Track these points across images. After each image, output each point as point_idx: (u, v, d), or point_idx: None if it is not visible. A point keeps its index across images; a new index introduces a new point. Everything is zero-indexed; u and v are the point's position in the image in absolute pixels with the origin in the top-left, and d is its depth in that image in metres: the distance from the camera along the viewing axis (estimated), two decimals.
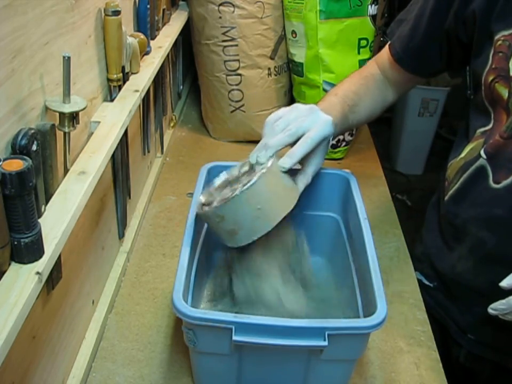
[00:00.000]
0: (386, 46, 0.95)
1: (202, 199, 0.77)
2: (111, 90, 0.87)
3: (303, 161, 0.79)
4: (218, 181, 0.79)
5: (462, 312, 0.90)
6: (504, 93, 0.75)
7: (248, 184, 0.68)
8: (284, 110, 0.79)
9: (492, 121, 0.79)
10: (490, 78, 0.77)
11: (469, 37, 0.81)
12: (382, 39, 1.70)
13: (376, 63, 0.97)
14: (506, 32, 0.74)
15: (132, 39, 0.92)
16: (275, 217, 0.71)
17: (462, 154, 0.85)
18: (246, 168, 0.78)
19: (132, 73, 0.95)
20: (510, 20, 0.73)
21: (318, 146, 0.78)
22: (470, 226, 0.82)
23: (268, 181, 0.71)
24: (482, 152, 0.79)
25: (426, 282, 0.96)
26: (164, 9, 1.19)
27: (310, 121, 0.76)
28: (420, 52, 0.89)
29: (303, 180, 0.79)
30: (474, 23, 0.78)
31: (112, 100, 0.86)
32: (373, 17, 1.31)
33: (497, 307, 0.69)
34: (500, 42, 0.74)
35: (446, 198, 0.87)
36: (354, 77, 0.97)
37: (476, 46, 0.80)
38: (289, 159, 0.74)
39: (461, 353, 0.93)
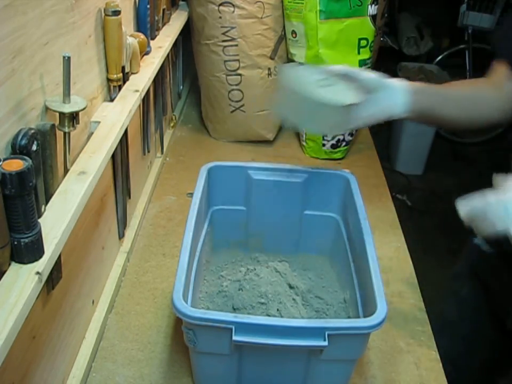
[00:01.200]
0: (498, 69, 0.90)
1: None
2: (111, 90, 0.87)
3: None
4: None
5: None
6: None
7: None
8: None
9: None
10: None
11: None
12: (382, 39, 1.70)
13: (489, 82, 0.92)
14: None
15: (132, 39, 0.92)
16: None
17: None
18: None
19: (132, 73, 0.95)
20: None
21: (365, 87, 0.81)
22: None
23: None
24: None
25: (485, 248, 0.96)
26: (164, 9, 1.19)
27: None
28: None
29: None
30: None
31: (112, 100, 0.86)
32: (373, 17, 1.31)
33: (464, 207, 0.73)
34: None
35: None
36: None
37: None
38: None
39: (510, 321, 0.94)
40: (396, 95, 0.81)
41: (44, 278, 0.55)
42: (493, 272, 0.95)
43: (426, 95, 0.83)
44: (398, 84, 0.82)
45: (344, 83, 0.84)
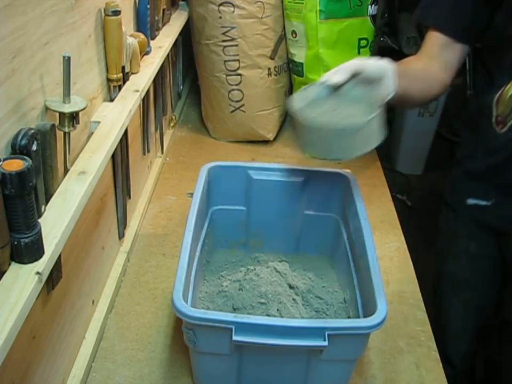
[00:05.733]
0: (429, 34, 0.99)
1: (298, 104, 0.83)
2: (111, 90, 0.87)
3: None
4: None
5: None
6: None
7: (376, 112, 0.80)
8: None
9: None
10: None
11: None
12: (382, 39, 1.70)
13: (423, 56, 1.00)
14: None
15: (132, 39, 0.92)
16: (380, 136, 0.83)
17: (510, 92, 0.91)
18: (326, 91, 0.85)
19: (132, 73, 0.95)
20: None
21: (368, 80, 0.84)
22: None
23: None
24: None
25: (483, 203, 1.03)
26: (164, 9, 1.19)
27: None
28: (468, 19, 0.93)
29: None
30: None
31: (112, 100, 0.86)
32: (373, 17, 1.31)
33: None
34: None
35: (505, 129, 0.93)
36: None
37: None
38: (338, 75, 0.82)
39: None
40: (391, 80, 0.85)
41: (44, 278, 0.55)
42: (497, 217, 1.02)
43: (401, 76, 0.88)
44: (390, 69, 0.86)
45: (354, 93, 0.83)
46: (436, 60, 0.97)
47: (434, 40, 0.98)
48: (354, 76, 0.84)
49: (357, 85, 0.84)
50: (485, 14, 0.92)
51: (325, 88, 0.84)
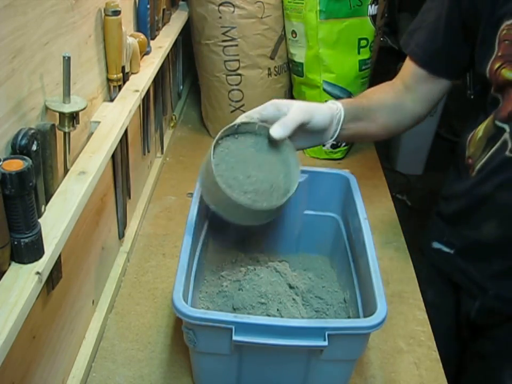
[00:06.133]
0: (406, 62, 0.95)
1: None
2: (111, 90, 0.87)
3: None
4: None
5: (482, 271, 0.92)
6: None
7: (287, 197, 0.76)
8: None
9: (501, 101, 0.82)
10: (497, 66, 0.79)
11: (477, 28, 0.83)
12: (382, 39, 1.70)
13: (399, 80, 0.97)
14: (508, 22, 0.77)
15: (132, 39, 0.92)
16: (294, 180, 0.79)
17: (480, 134, 0.88)
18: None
19: (132, 73, 0.95)
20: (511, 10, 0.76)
21: (309, 130, 0.81)
22: (493, 191, 0.86)
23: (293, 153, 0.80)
24: (505, 126, 0.82)
25: (446, 250, 0.98)
26: (164, 9, 1.19)
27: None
28: (445, 52, 0.90)
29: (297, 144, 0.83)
30: (480, 13, 0.80)
31: (112, 100, 0.86)
32: (373, 17, 1.31)
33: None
34: (504, 31, 0.78)
35: (474, 173, 0.89)
36: (372, 88, 0.98)
37: (481, 36, 0.82)
38: (282, 129, 0.77)
39: (473, 310, 0.95)
40: (333, 129, 0.83)
41: (44, 278, 0.55)
42: (457, 269, 0.97)
43: (355, 120, 0.86)
44: (337, 116, 0.84)
45: (285, 156, 0.79)
46: (410, 92, 0.94)
47: (410, 69, 0.94)
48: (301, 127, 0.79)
49: (298, 138, 0.79)
50: (464, 49, 0.87)
51: (259, 132, 0.79)
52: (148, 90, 1.07)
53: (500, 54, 0.78)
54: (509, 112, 0.80)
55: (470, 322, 0.97)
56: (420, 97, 0.94)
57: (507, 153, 0.81)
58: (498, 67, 0.79)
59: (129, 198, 1.05)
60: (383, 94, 0.94)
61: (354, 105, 0.88)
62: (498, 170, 0.84)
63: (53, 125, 0.62)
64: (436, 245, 1.01)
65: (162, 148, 1.35)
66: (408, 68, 0.94)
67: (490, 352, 0.96)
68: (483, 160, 0.87)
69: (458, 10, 0.84)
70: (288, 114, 0.78)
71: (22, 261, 0.53)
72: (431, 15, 0.90)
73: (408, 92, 0.94)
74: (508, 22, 0.76)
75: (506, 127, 0.81)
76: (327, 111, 0.83)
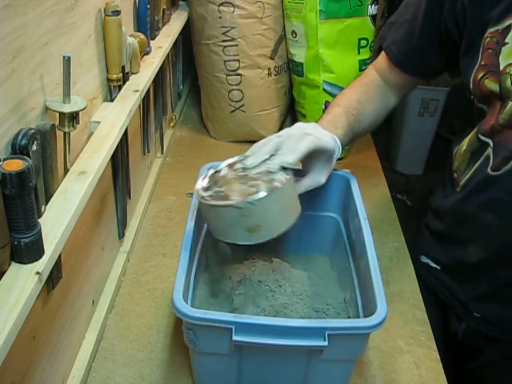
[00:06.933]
0: (383, 52, 0.96)
1: (202, 191, 0.75)
2: (111, 90, 0.87)
3: (304, 171, 0.81)
4: (209, 176, 0.79)
5: (466, 292, 0.91)
6: (495, 87, 0.76)
7: (281, 183, 0.71)
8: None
9: (486, 112, 0.80)
10: (480, 75, 0.78)
11: (460, 35, 0.81)
12: None
13: (375, 69, 0.98)
14: (492, 29, 0.75)
15: (132, 39, 0.92)
16: (294, 215, 0.76)
17: (464, 147, 0.86)
18: (240, 165, 0.78)
19: (132, 73, 0.95)
20: (496, 17, 0.74)
21: (318, 160, 0.80)
22: (475, 211, 0.84)
23: (292, 182, 0.75)
24: (488, 141, 0.80)
25: (433, 265, 0.97)
26: (164, 9, 1.19)
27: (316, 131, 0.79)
28: (418, 54, 0.89)
29: (300, 188, 0.81)
30: (465, 19, 0.79)
31: (112, 100, 0.86)
32: (373, 17, 1.31)
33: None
34: (488, 39, 0.76)
35: (458, 188, 0.88)
36: (354, 85, 0.97)
37: (465, 44, 0.80)
38: (293, 156, 0.74)
39: (460, 331, 0.95)
40: (329, 140, 0.81)
41: (44, 278, 0.55)
42: (443, 286, 0.96)
43: (347, 129, 0.87)
44: (337, 144, 0.82)
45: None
46: (389, 85, 0.95)
47: (385, 63, 0.95)
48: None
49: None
50: (437, 55, 0.87)
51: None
52: (148, 90, 1.07)
53: (482, 63, 0.77)
54: (492, 126, 0.78)
55: (459, 342, 0.96)
56: (394, 89, 0.95)
57: (489, 170, 0.79)
58: (482, 77, 0.77)
59: (129, 198, 1.05)
60: (370, 102, 0.94)
61: (346, 129, 0.87)
62: (480, 189, 0.82)
63: (53, 125, 0.62)
64: (424, 259, 1.00)
65: (162, 148, 1.35)
66: (383, 61, 0.96)
67: (486, 372, 0.94)
68: (467, 176, 0.85)
69: (439, 14, 0.83)
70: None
71: (22, 261, 0.53)
72: (409, 12, 0.89)
73: (388, 87, 0.95)
74: (492, 29, 0.75)
75: (490, 141, 0.79)
76: (329, 138, 0.80)
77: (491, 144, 0.79)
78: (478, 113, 0.82)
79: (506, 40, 0.73)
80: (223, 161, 0.82)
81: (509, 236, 0.81)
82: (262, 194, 0.70)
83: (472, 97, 0.82)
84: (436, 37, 0.86)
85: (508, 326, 0.88)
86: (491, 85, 0.76)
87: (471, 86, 0.79)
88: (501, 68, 0.74)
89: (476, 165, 0.83)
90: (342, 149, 0.85)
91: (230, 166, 0.80)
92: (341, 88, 1.33)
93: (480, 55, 0.77)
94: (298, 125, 0.82)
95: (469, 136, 0.85)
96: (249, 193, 0.70)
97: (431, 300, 0.97)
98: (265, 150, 0.76)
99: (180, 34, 1.30)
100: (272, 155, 0.76)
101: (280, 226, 0.74)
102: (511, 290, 0.85)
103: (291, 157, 0.74)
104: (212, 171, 0.80)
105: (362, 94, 0.94)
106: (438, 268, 0.96)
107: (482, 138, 0.81)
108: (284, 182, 0.72)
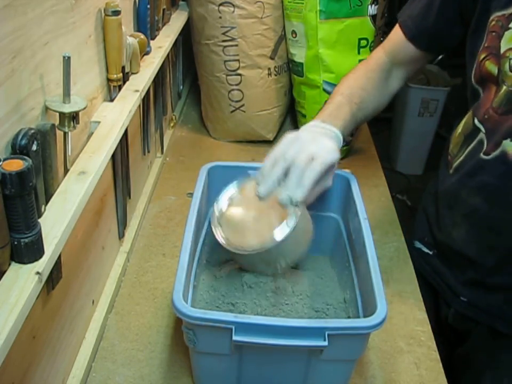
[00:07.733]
0: (396, 28, 0.96)
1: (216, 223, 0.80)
2: (111, 90, 0.87)
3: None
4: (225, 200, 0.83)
5: (456, 277, 0.93)
6: (494, 69, 0.78)
7: (294, 221, 0.75)
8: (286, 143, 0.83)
9: (481, 96, 0.82)
10: (482, 56, 0.80)
11: (473, 15, 0.83)
12: (382, 39, 1.70)
13: (383, 49, 0.98)
14: (499, 13, 0.77)
15: (132, 39, 0.92)
16: (308, 240, 0.82)
17: (459, 129, 0.88)
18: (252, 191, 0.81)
19: (132, 73, 0.95)
20: (504, 1, 0.76)
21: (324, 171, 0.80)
22: (465, 195, 0.86)
23: (303, 211, 0.78)
24: (480, 126, 0.81)
25: (426, 250, 0.99)
26: (164, 9, 1.19)
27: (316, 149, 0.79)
28: (434, 30, 0.90)
29: (309, 198, 0.81)
30: (477, 2, 0.81)
31: (112, 100, 0.86)
32: (373, 17, 1.31)
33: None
34: (493, 22, 0.78)
35: (451, 171, 0.89)
36: (360, 69, 0.98)
37: (474, 24, 0.82)
38: (301, 191, 0.75)
39: (449, 315, 0.97)
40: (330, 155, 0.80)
41: (44, 278, 0.55)
42: (434, 271, 0.98)
43: (350, 120, 0.87)
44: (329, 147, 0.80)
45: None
46: (395, 66, 0.95)
47: (398, 38, 0.95)
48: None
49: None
50: (454, 32, 0.88)
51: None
52: (148, 90, 1.07)
53: (486, 45, 0.79)
54: (486, 110, 0.80)
55: (449, 327, 0.98)
56: (402, 66, 0.96)
57: (481, 155, 0.80)
58: (483, 58, 0.79)
59: (129, 198, 1.05)
60: (374, 88, 0.94)
61: (348, 119, 0.87)
62: (471, 172, 0.83)
63: (53, 125, 0.62)
64: (417, 244, 1.01)
65: (162, 148, 1.35)
66: (395, 37, 0.96)
67: (473, 356, 0.96)
68: (460, 159, 0.87)
69: None
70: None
71: (22, 261, 0.53)
72: None
73: (393, 68, 0.96)
74: (498, 13, 0.77)
75: (482, 127, 0.81)
76: (332, 150, 0.80)
77: (483, 129, 0.81)
78: (472, 94, 0.84)
79: (510, 25, 0.75)
80: (230, 184, 0.85)
81: (495, 220, 0.83)
82: (278, 238, 0.74)
83: (471, 77, 0.83)
84: (453, 13, 0.87)
85: (492, 310, 0.90)
86: (491, 67, 0.78)
87: (474, 65, 0.81)
88: (502, 52, 0.76)
89: (469, 148, 0.84)
90: (344, 139, 0.85)
91: (241, 190, 0.83)
92: None
93: (485, 37, 0.79)
94: (301, 136, 0.82)
95: (465, 119, 0.86)
96: (264, 235, 0.75)
97: (425, 287, 0.99)
98: (275, 176, 0.77)
99: (180, 34, 1.30)
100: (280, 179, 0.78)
101: (296, 254, 0.81)
102: (496, 278, 0.87)
103: (299, 193, 0.75)
104: (226, 195, 0.83)
105: (366, 80, 0.94)
106: (430, 253, 0.97)
107: (476, 122, 0.82)
108: (296, 220, 0.75)
